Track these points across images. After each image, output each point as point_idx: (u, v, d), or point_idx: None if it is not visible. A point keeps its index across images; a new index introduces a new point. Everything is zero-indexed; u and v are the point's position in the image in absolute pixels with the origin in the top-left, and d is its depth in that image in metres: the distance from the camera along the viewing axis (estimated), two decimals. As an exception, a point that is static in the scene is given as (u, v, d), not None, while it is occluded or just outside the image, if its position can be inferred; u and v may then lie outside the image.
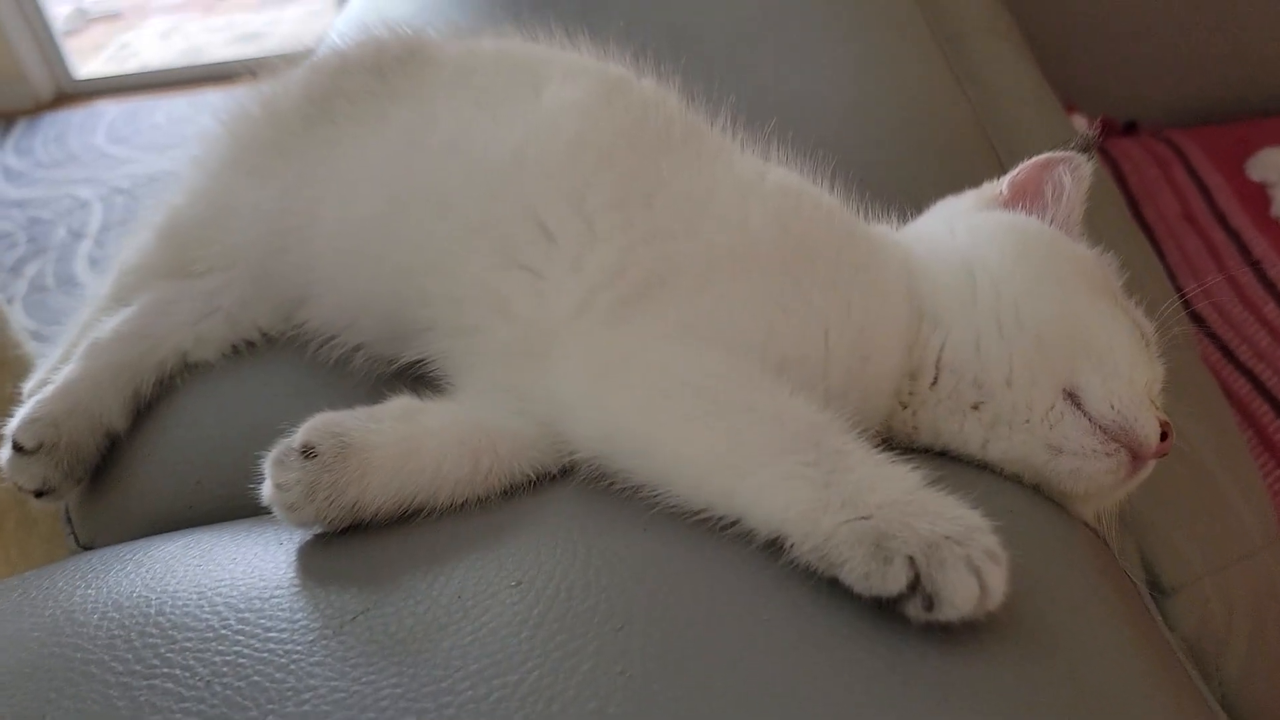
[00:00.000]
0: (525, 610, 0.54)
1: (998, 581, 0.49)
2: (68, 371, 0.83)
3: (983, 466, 0.67)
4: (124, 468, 0.85)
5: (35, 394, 0.83)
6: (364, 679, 0.51)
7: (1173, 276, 1.89)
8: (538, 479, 0.66)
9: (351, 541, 0.63)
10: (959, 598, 0.48)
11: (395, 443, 0.62)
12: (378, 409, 0.65)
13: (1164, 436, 0.65)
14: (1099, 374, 0.65)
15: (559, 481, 0.67)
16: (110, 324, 0.86)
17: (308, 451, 0.60)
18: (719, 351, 0.62)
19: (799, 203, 0.72)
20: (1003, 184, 0.77)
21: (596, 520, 0.61)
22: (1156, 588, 0.92)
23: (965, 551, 0.49)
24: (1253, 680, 0.92)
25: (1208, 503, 0.99)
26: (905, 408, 0.69)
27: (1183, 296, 0.74)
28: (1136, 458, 0.65)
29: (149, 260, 0.89)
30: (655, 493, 0.59)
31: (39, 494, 0.81)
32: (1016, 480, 0.67)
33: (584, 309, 0.67)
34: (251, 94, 0.91)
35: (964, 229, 0.74)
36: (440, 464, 0.63)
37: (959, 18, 1.63)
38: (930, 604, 0.49)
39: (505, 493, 0.66)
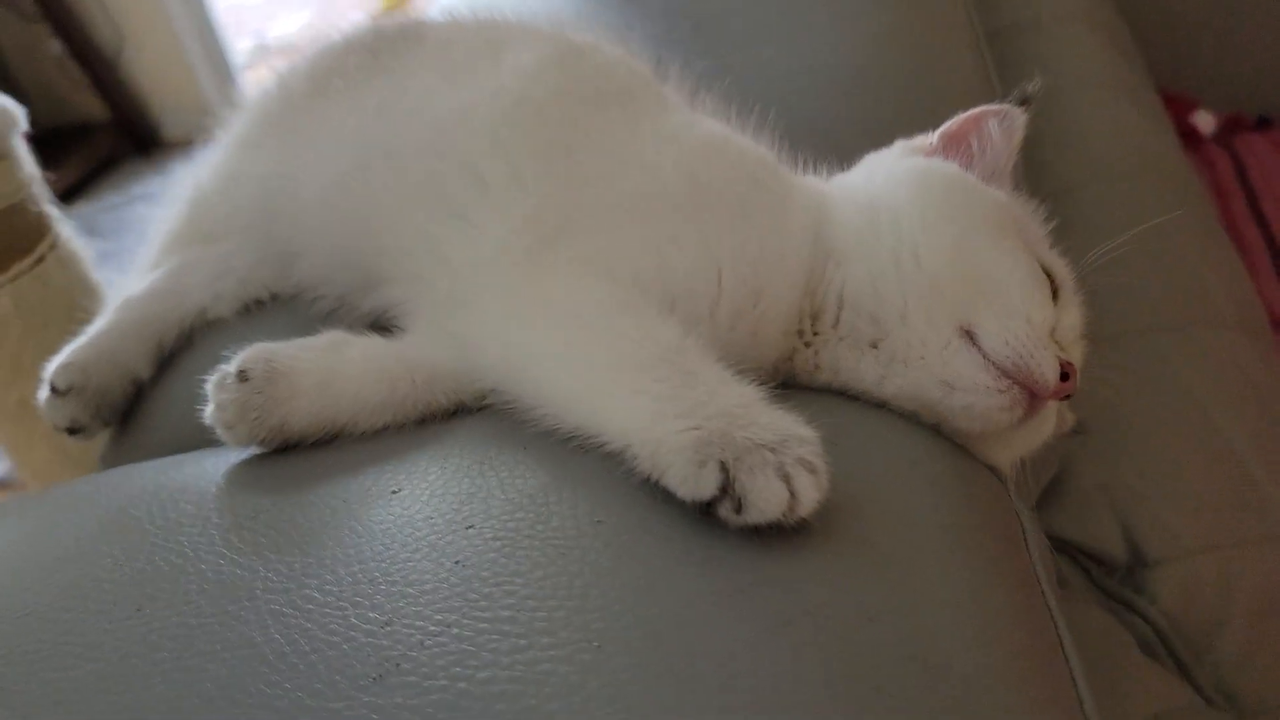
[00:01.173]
0: (397, 513, 0.59)
1: (808, 488, 0.51)
2: (100, 324, 0.94)
3: (882, 405, 0.68)
4: (147, 411, 0.95)
5: (73, 343, 0.94)
6: (246, 565, 0.58)
7: (1286, 269, 1.79)
8: (452, 408, 0.71)
9: (279, 459, 0.69)
10: (764, 501, 0.50)
11: (321, 369, 0.68)
12: (309, 340, 0.71)
13: (1065, 377, 0.64)
14: (994, 312, 0.65)
15: (472, 412, 0.71)
16: (141, 283, 0.96)
17: (242, 375, 0.67)
18: (607, 284, 0.65)
19: (713, 151, 0.74)
20: (934, 135, 0.77)
21: (485, 439, 0.65)
22: (1140, 559, 0.89)
23: (778, 459, 0.51)
24: (1253, 664, 0.87)
25: (1222, 484, 0.95)
26: (809, 346, 0.70)
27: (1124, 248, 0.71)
28: (1035, 397, 0.64)
29: (178, 229, 0.99)
30: (538, 414, 0.63)
31: (71, 431, 0.92)
32: (914, 419, 0.67)
33: (504, 250, 0.71)
34: (272, 77, 1.00)
35: (882, 175, 0.74)
36: (360, 389, 0.69)
37: (1028, 5, 1.61)
38: (739, 507, 0.51)
39: (421, 420, 0.71)
